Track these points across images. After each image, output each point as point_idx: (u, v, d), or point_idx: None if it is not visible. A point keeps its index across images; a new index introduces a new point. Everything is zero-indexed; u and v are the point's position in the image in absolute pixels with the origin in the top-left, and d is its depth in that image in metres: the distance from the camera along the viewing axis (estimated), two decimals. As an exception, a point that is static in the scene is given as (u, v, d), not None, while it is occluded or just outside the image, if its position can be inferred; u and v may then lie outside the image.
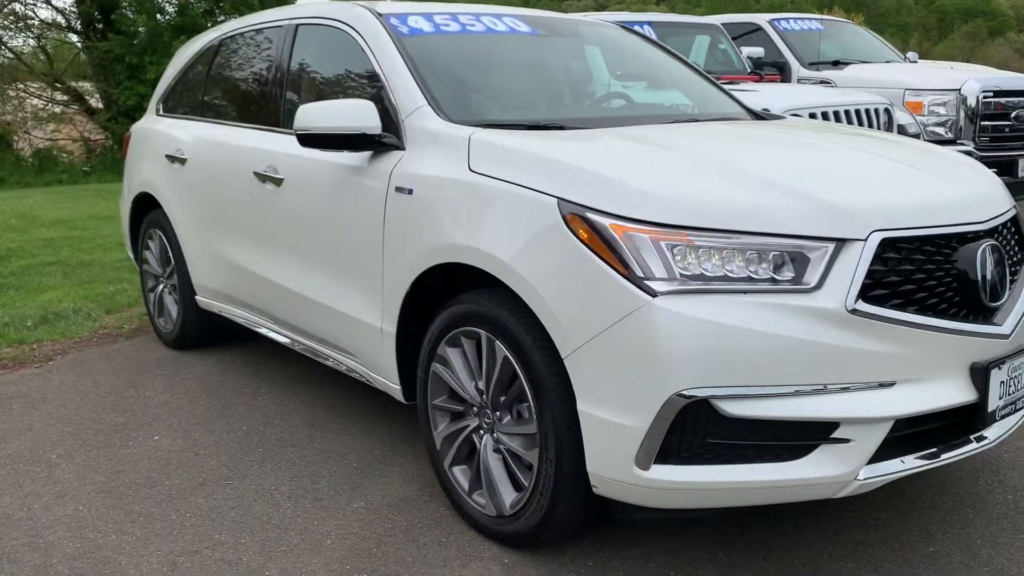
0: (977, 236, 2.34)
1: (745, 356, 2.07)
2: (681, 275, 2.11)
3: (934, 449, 2.29)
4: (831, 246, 2.16)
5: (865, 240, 2.16)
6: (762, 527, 2.64)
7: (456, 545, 2.61)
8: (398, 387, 2.94)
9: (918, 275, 2.23)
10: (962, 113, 7.53)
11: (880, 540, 2.60)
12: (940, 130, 7.53)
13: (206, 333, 4.51)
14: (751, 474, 2.14)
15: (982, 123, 7.53)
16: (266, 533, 2.70)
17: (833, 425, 2.14)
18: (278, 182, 3.43)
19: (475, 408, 2.64)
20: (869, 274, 2.15)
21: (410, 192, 2.77)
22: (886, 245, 2.19)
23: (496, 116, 3.01)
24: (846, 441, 2.14)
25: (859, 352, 2.13)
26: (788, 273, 2.14)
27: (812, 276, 2.14)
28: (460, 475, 2.73)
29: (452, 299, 2.66)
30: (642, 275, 2.11)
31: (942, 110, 7.55)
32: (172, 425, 3.56)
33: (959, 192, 2.46)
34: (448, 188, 2.63)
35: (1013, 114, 7.62)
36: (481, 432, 2.64)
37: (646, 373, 2.09)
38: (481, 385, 2.59)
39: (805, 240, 2.16)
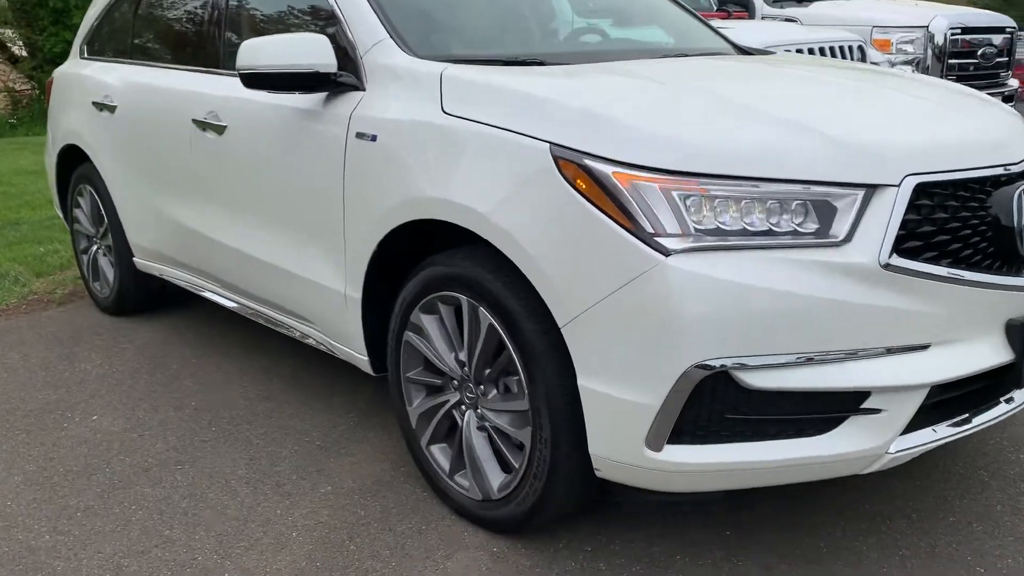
0: (1011, 179, 2.11)
1: (769, 321, 1.82)
2: (696, 230, 1.84)
3: (965, 415, 2.08)
4: (860, 193, 1.90)
5: (899, 186, 1.91)
6: (770, 502, 2.43)
7: (437, 533, 2.35)
8: (365, 358, 2.65)
9: (952, 224, 1.99)
10: (929, 51, 7.35)
11: (896, 511, 2.41)
12: (908, 69, 7.34)
13: (147, 298, 4.15)
14: (773, 452, 1.91)
15: (949, 61, 7.36)
16: (223, 526, 2.41)
17: (863, 395, 1.91)
18: (220, 130, 3.06)
19: (455, 382, 2.37)
20: (902, 224, 1.90)
21: (373, 139, 2.44)
22: (919, 191, 1.94)
23: (467, 51, 2.68)
24: (877, 412, 1.92)
25: (892, 312, 1.89)
26: (811, 225, 1.89)
27: (840, 228, 1.89)
28: (440, 455, 2.46)
29: (426, 260, 2.36)
30: (652, 231, 1.83)
31: (910, 48, 7.36)
32: (112, 402, 3.22)
33: (988, 131, 2.22)
34: (417, 133, 2.31)
35: (980, 51, 7.46)
36: (463, 408, 2.37)
37: (659, 343, 1.83)
38: (462, 356, 2.31)
39: (831, 187, 1.90)
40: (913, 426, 1.97)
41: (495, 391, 2.26)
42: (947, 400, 2.04)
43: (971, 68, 7.50)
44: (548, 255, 1.96)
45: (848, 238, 1.88)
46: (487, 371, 2.24)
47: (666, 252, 1.81)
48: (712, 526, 2.35)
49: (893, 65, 7.11)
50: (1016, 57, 8.07)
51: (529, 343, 2.05)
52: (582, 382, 1.95)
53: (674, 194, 1.84)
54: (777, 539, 2.29)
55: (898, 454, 1.96)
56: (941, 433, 2.02)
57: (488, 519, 2.32)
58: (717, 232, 1.85)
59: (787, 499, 2.44)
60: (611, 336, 1.89)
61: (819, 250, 1.87)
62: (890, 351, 1.91)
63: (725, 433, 1.90)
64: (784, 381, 1.86)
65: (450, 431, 2.45)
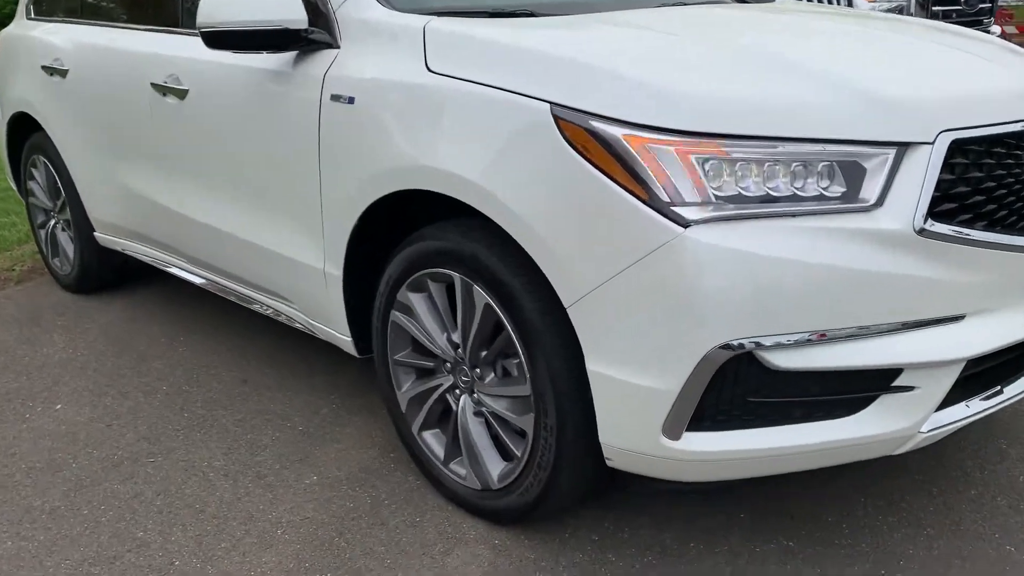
0: (1047, 133, 1.95)
1: (796, 295, 1.66)
2: (716, 197, 1.66)
3: (996, 387, 1.95)
4: (892, 152, 1.74)
5: (933, 143, 1.75)
6: (784, 482, 2.29)
7: (434, 525, 2.20)
8: (348, 339, 2.46)
9: (987, 183, 1.83)
10: (913, -2, 7.19)
11: (915, 486, 2.29)
12: (891, 16, 7.17)
13: (110, 274, 3.92)
14: (799, 436, 1.76)
15: (933, 8, 7.21)
16: (202, 526, 2.24)
17: (895, 372, 1.76)
18: (181, 94, 2.82)
19: (448, 364, 2.19)
20: (937, 185, 1.74)
21: (350, 101, 2.23)
22: (953, 149, 1.78)
23: (450, 1, 2.46)
24: (910, 389, 1.78)
25: (927, 282, 1.74)
26: (837, 188, 1.72)
27: (871, 191, 1.72)
28: (433, 441, 2.30)
29: (414, 234, 2.17)
30: (668, 199, 1.65)
31: (893, -6, 7.19)
32: (77, 389, 3.02)
33: (1019, 81, 2.05)
34: (400, 94, 2.10)
35: (964, -2, 7.31)
36: (457, 392, 2.20)
37: (678, 323, 1.66)
38: (456, 337, 2.14)
39: (860, 146, 1.73)
40: (946, 402, 1.83)
41: (492, 374, 2.09)
42: (978, 373, 1.90)
43: (954, 15, 7.35)
44: (551, 228, 1.78)
45: (879, 202, 1.72)
46: (483, 353, 2.07)
47: (685, 223, 1.64)
48: (724, 509, 2.21)
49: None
50: (998, 3, 7.93)
51: (530, 324, 1.88)
52: (591, 366, 1.79)
53: (692, 158, 1.67)
54: (794, 521, 2.16)
55: (931, 433, 1.82)
56: (974, 408, 1.89)
57: (488, 509, 2.16)
58: (739, 199, 1.68)
59: (800, 477, 2.31)
60: (623, 317, 1.72)
61: (849, 216, 1.70)
62: (924, 324, 1.77)
63: (748, 418, 1.75)
64: (812, 360, 1.70)
65: (444, 416, 2.29)
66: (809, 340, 1.69)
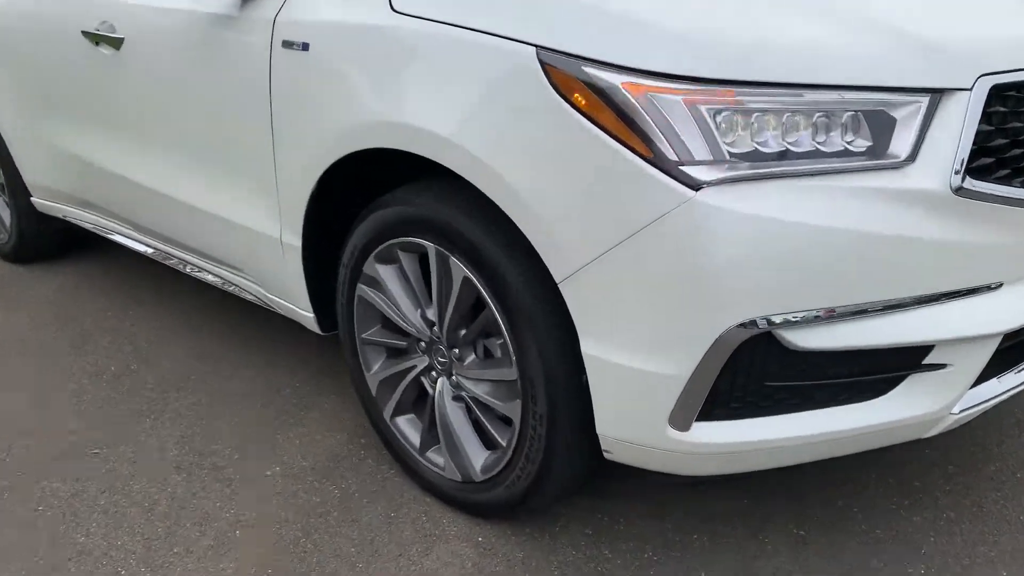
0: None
1: (821, 266, 1.45)
2: (730, 155, 1.44)
3: (1030, 359, 1.78)
4: (925, 100, 1.52)
5: (971, 89, 1.53)
6: (794, 467, 2.11)
7: (410, 521, 1.99)
8: (310, 315, 2.23)
9: (1025, 135, 1.63)
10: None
11: (930, 464, 2.12)
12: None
13: (51, 242, 3.62)
14: (821, 423, 1.57)
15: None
16: (152, 528, 2.01)
17: (925, 348, 1.57)
18: (116, 43, 2.52)
19: (423, 344, 1.97)
20: (974, 137, 1.54)
21: (304, 48, 1.96)
22: (991, 96, 1.57)
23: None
24: (942, 367, 1.59)
25: (963, 246, 1.54)
26: (863, 142, 1.51)
27: (902, 145, 1.51)
28: (408, 428, 2.09)
29: (381, 198, 1.92)
30: (676, 158, 1.43)
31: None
32: (14, 370, 2.75)
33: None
34: (360, 39, 1.84)
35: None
36: (433, 375, 1.98)
37: (688, 301, 1.45)
38: (431, 315, 1.91)
39: (889, 93, 1.51)
40: (978, 378, 1.65)
41: (473, 356, 1.87)
42: (1011, 345, 1.72)
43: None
44: (538, 193, 1.55)
45: (911, 157, 1.50)
46: (462, 333, 1.85)
47: (695, 185, 1.41)
48: (727, 494, 2.03)
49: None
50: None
51: (516, 302, 1.66)
52: (587, 349, 1.58)
53: (702, 109, 1.44)
54: (803, 505, 1.99)
55: (964, 413, 1.64)
56: (1008, 383, 1.72)
57: (470, 503, 1.96)
58: (755, 157, 1.45)
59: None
60: (624, 294, 1.50)
61: (878, 174, 1.49)
62: (957, 294, 1.57)
63: (764, 404, 1.56)
64: (837, 339, 1.50)
65: (419, 400, 2.07)
66: (834, 316, 1.49)
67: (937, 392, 1.60)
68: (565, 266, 1.55)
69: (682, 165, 1.42)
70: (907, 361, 1.58)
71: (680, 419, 1.53)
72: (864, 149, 1.50)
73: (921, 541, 1.87)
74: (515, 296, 1.66)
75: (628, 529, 1.94)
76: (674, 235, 1.43)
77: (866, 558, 1.83)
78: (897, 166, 1.50)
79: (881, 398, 1.60)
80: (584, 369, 1.63)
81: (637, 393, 1.55)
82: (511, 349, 1.71)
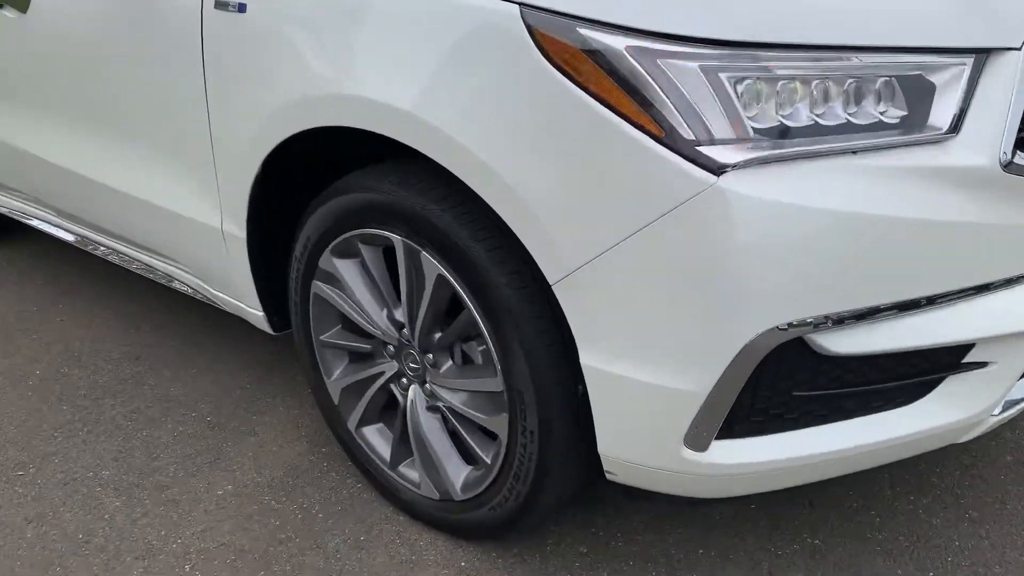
0: None
1: (858, 259, 1.25)
2: (755, 131, 1.22)
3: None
4: (968, 62, 1.31)
5: (1021, 49, 1.33)
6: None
7: (383, 545, 1.78)
8: (260, 313, 1.97)
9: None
10: None
11: (944, 455, 1.96)
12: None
13: (-33, 228, 3.28)
14: (853, 435, 1.38)
15: None
16: (86, 564, 1.76)
17: (965, 346, 1.39)
18: (22, 5, 2.19)
19: (391, 348, 1.74)
20: (1024, 105, 1.34)
21: (240, 8, 1.68)
22: (1040, 56, 1.37)
23: None
24: (982, 365, 1.41)
25: (1012, 230, 1.35)
26: (897, 112, 1.30)
27: (943, 114, 1.30)
28: (376, 440, 1.86)
29: (337, 183, 1.67)
30: (693, 137, 1.20)
31: None
32: (-75, 380, 2.46)
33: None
34: (307, -1, 1.57)
35: None
36: (404, 382, 1.75)
37: (710, 303, 1.24)
38: (400, 315, 1.68)
39: (927, 55, 1.30)
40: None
41: (450, 362, 1.64)
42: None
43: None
44: (526, 179, 1.31)
45: (954, 129, 1.30)
46: (437, 336, 1.62)
47: (716, 169, 1.19)
48: (729, 501, 1.84)
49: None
50: None
51: (501, 304, 1.43)
52: (587, 361, 1.36)
53: (723, 77, 1.21)
54: (814, 510, 1.82)
55: (1005, 414, 1.47)
56: (1050, 380, 1.55)
57: (450, 523, 1.75)
58: (781, 133, 1.24)
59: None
60: (631, 297, 1.28)
61: (916, 150, 1.29)
62: (1000, 284, 1.39)
63: (791, 417, 1.36)
64: (875, 341, 1.31)
65: (388, 407, 1.84)
66: (873, 316, 1.29)
67: (978, 393, 1.43)
68: (560, 266, 1.32)
69: (700, 145, 1.20)
70: (945, 361, 1.40)
71: (697, 438, 1.33)
72: (898, 120, 1.30)
73: (946, 547, 1.72)
74: (499, 298, 1.43)
75: (627, 547, 1.74)
76: (692, 228, 1.21)
77: (891, 570, 1.67)
78: (938, 140, 1.30)
79: (917, 403, 1.41)
80: (581, 379, 1.42)
81: (647, 410, 1.34)
82: (495, 357, 1.49)
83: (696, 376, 1.28)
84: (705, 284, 1.23)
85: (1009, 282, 1.39)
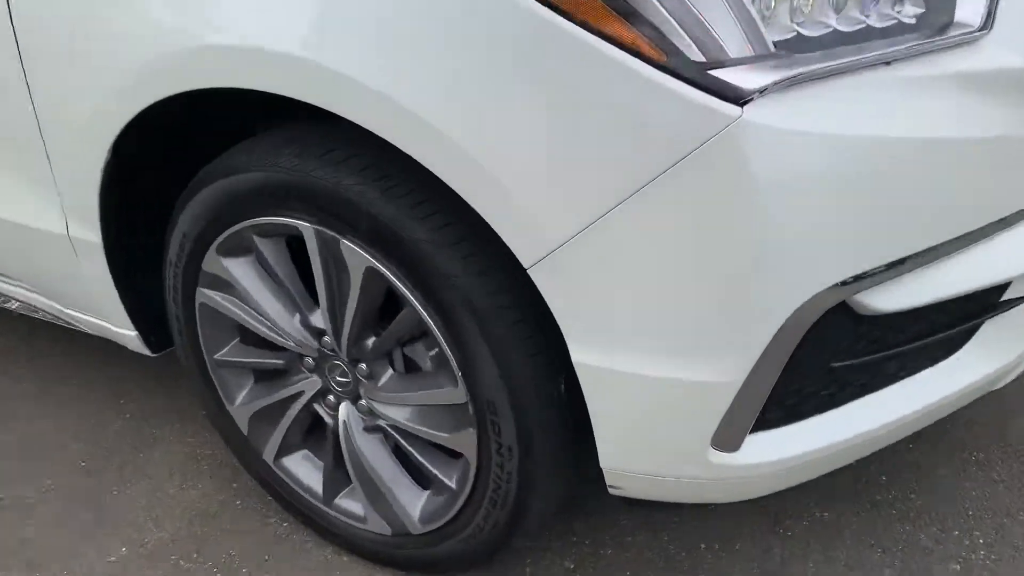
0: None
1: (912, 194, 1.02)
2: (775, 45, 0.95)
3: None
4: (993, -58, 1.08)
5: (1052, -80, 1.11)
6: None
7: (329, 597, 1.46)
8: (132, 333, 1.58)
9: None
10: None
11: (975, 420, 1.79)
12: None
13: None
14: (896, 405, 1.16)
15: None
16: None
17: (1000, 288, 1.19)
18: None
19: (310, 360, 1.39)
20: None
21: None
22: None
23: None
24: (1020, 301, 1.21)
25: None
26: (913, 8, 1.06)
27: (971, 9, 1.07)
28: (302, 470, 1.52)
29: (214, 162, 1.31)
30: (703, 58, 0.92)
31: None
32: None
33: None
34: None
35: None
36: (332, 399, 1.42)
37: (743, 270, 0.97)
38: (317, 320, 1.34)
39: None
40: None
41: (390, 371, 1.32)
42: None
43: None
44: (484, 133, 0.99)
45: (985, 25, 1.07)
46: (371, 342, 1.29)
47: (739, 98, 0.91)
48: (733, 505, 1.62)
49: None
50: None
51: (456, 295, 1.12)
52: (581, 358, 1.07)
53: (733, -23, 0.93)
54: (820, 483, 1.61)
55: (1041, 354, 1.29)
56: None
57: (412, 560, 1.45)
58: (801, 45, 0.97)
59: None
60: (636, 273, 1.00)
61: (947, 55, 1.05)
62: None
63: (830, 391, 1.13)
64: (920, 292, 1.08)
65: (312, 428, 1.51)
66: (920, 262, 1.06)
67: (1016, 333, 1.23)
68: (537, 243, 1.02)
69: (712, 68, 0.92)
70: (982, 304, 1.19)
71: (727, 438, 1.07)
72: (915, 19, 1.06)
73: (962, 498, 1.55)
74: (452, 289, 1.12)
75: (619, 554, 1.49)
76: (715, 179, 0.93)
77: (910, 532, 1.48)
78: (968, 40, 1.06)
79: (956, 355, 1.21)
80: (563, 373, 1.14)
81: (664, 411, 1.07)
82: (452, 362, 1.18)
83: (727, 363, 1.01)
84: (735, 246, 0.95)
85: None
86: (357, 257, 1.19)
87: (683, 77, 0.91)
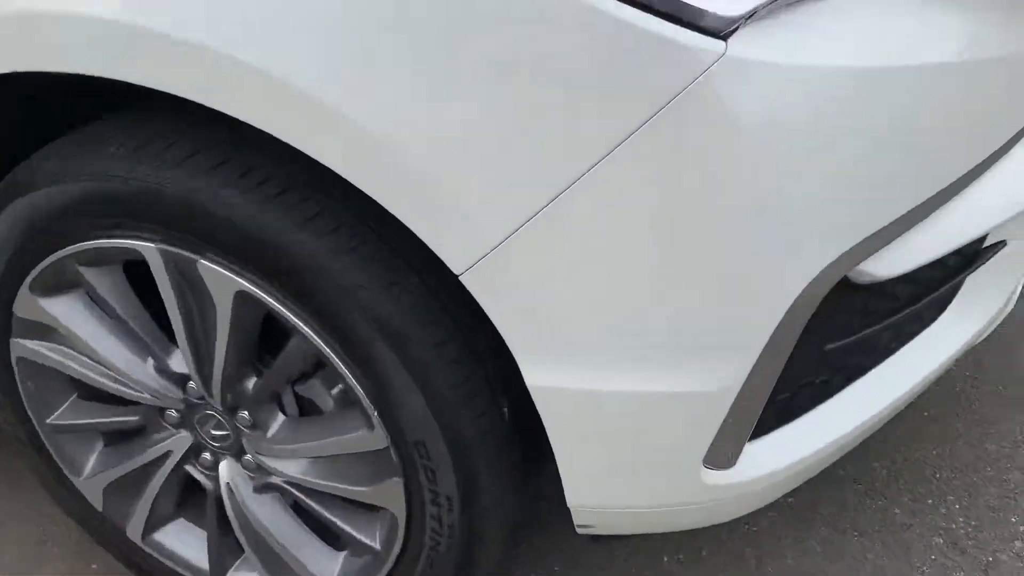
0: None
1: (910, 138, 0.84)
2: (749, -39, 0.74)
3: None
4: None
5: None
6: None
7: None
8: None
9: None
10: None
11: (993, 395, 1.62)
12: None
13: None
14: (893, 381, 1.00)
15: None
16: None
17: (977, 241, 1.05)
18: None
19: (174, 413, 1.10)
20: None
21: None
22: None
23: None
24: (998, 248, 1.08)
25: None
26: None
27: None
28: (179, 543, 1.22)
29: (9, 175, 0.99)
30: (670, -19, 0.70)
31: None
32: None
33: None
34: None
35: None
36: (208, 458, 1.13)
37: (736, 250, 0.76)
38: (177, 364, 1.04)
39: None
40: None
41: (280, 417, 1.05)
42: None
43: None
44: (386, 102, 0.74)
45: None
46: (251, 383, 1.02)
47: (718, 30, 0.70)
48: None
49: None
50: None
51: (362, 316, 0.87)
52: (536, 380, 0.83)
53: None
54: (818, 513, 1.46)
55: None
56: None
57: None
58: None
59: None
60: (600, 268, 0.77)
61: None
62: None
63: (823, 380, 0.95)
64: (916, 253, 0.92)
65: (189, 491, 1.22)
66: (921, 214, 0.89)
67: (1000, 281, 1.10)
68: (471, 244, 0.77)
69: (685, -3, 0.70)
70: (964, 257, 1.05)
71: (724, 453, 0.87)
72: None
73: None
74: (356, 308, 0.87)
75: (607, 564, 1.28)
76: (696, 135, 0.71)
77: (931, 507, 1.35)
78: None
79: (945, 314, 1.06)
80: (504, 396, 0.91)
81: (644, 433, 0.86)
82: (364, 400, 0.93)
83: (721, 367, 0.81)
84: (726, 219, 0.75)
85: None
86: (221, 280, 0.91)
87: (644, 5, 0.69)
